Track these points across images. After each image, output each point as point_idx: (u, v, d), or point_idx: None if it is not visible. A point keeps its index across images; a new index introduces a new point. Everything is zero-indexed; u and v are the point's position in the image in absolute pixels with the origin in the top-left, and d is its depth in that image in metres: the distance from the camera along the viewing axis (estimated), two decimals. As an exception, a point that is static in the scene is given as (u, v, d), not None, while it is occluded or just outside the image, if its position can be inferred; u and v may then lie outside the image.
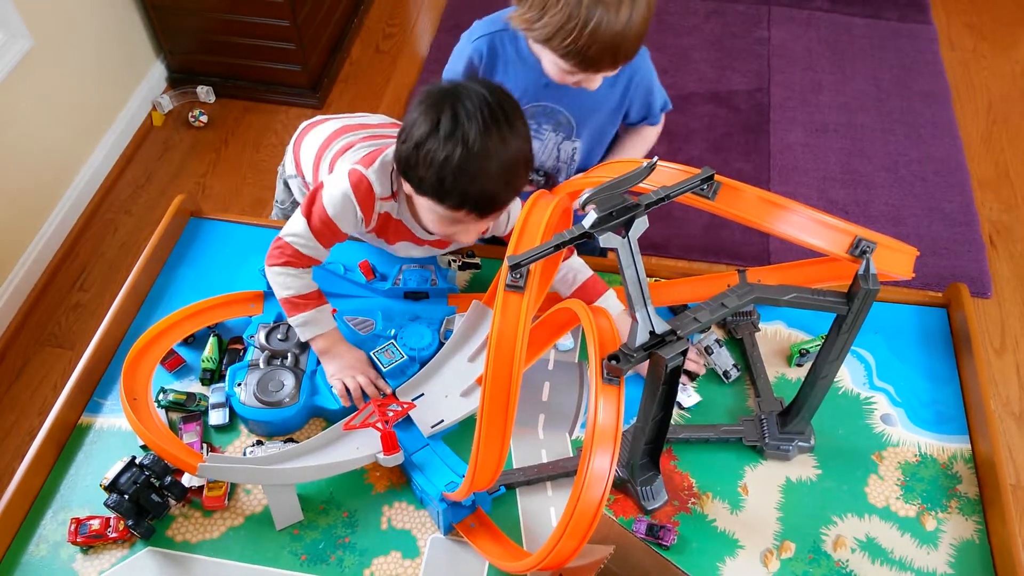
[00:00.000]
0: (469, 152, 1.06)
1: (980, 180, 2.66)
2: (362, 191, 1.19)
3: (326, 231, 1.20)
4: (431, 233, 1.24)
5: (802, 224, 1.00)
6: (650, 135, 1.50)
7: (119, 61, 2.65)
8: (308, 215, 1.20)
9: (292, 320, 1.23)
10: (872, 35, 3.12)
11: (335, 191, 1.19)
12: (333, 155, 1.31)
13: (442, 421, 1.19)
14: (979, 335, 1.30)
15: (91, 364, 1.27)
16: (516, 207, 1.25)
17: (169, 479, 1.12)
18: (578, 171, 1.49)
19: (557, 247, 0.90)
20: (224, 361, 1.28)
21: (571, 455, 1.20)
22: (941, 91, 2.91)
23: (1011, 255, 2.47)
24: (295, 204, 1.53)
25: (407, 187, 1.15)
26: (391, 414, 1.14)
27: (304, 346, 1.26)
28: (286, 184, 1.54)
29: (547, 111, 1.38)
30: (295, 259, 1.21)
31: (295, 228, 1.21)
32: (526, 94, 1.36)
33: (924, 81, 2.95)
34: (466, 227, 1.18)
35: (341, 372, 1.22)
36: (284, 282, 1.21)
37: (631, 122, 1.47)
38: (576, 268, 1.29)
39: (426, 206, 1.15)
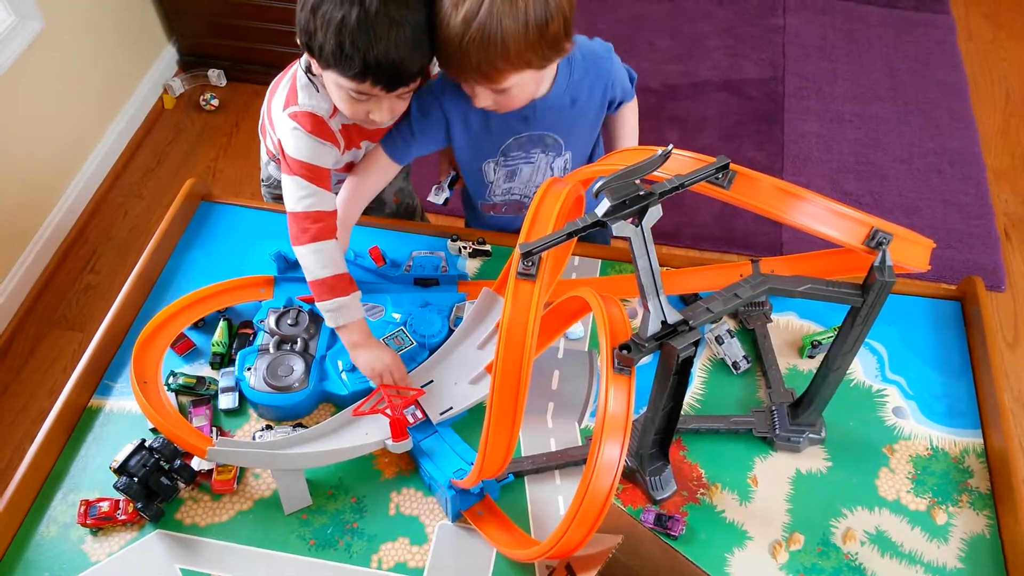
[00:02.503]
0: (367, 12, 1.03)
1: (996, 172, 2.63)
2: (312, 126, 1.18)
3: (316, 175, 1.18)
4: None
5: (818, 214, 0.99)
6: (630, 109, 1.44)
7: (130, 44, 2.64)
8: (292, 172, 1.18)
9: (323, 305, 1.18)
10: (889, 25, 3.08)
11: (294, 141, 1.18)
12: (268, 108, 1.32)
13: (451, 408, 1.19)
14: (993, 329, 1.29)
15: (101, 347, 1.27)
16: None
17: (178, 462, 1.12)
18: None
19: (569, 235, 0.89)
20: (234, 345, 1.28)
21: (580, 444, 1.20)
22: (958, 82, 2.88)
23: (1026, 248, 2.45)
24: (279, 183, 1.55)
25: (316, 69, 1.14)
26: (400, 400, 1.13)
27: (314, 332, 1.25)
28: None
29: (533, 138, 1.35)
30: (319, 222, 1.17)
31: (294, 192, 1.18)
32: (509, 130, 1.33)
33: (941, 72, 2.92)
34: (378, 103, 1.14)
35: (376, 371, 1.19)
36: (319, 260, 1.17)
37: (611, 111, 1.42)
38: None
39: (333, 82, 1.13)
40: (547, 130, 1.34)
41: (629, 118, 1.45)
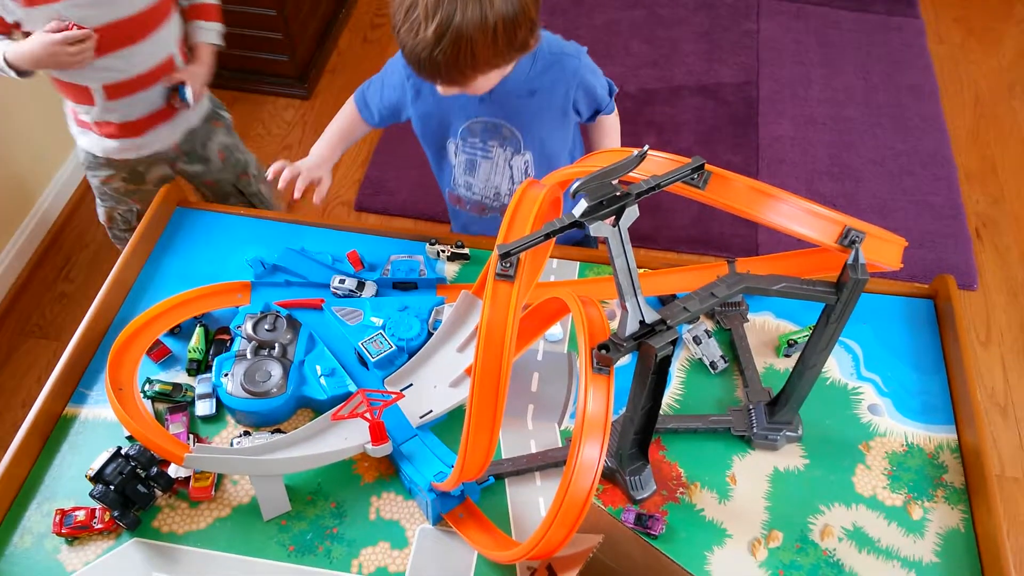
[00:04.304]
0: None
1: (967, 173, 2.68)
2: None
3: None
4: None
5: (792, 213, 1.01)
6: (610, 123, 1.48)
7: (104, 50, 2.62)
8: None
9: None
10: (860, 29, 3.12)
11: None
12: None
13: (431, 411, 1.19)
14: (965, 326, 1.31)
15: (76, 354, 1.25)
16: None
17: (155, 470, 1.11)
18: None
19: (547, 236, 0.89)
20: (211, 351, 1.27)
21: (560, 445, 1.20)
22: (928, 85, 2.93)
23: (996, 248, 2.49)
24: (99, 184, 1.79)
25: None
26: (380, 404, 1.13)
27: (292, 337, 1.25)
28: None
29: (488, 126, 1.36)
30: None
31: None
32: (464, 110, 1.35)
33: (912, 75, 2.96)
34: None
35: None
36: None
37: (586, 120, 1.45)
38: None
39: None
40: (504, 118, 1.36)
41: (609, 129, 1.48)
